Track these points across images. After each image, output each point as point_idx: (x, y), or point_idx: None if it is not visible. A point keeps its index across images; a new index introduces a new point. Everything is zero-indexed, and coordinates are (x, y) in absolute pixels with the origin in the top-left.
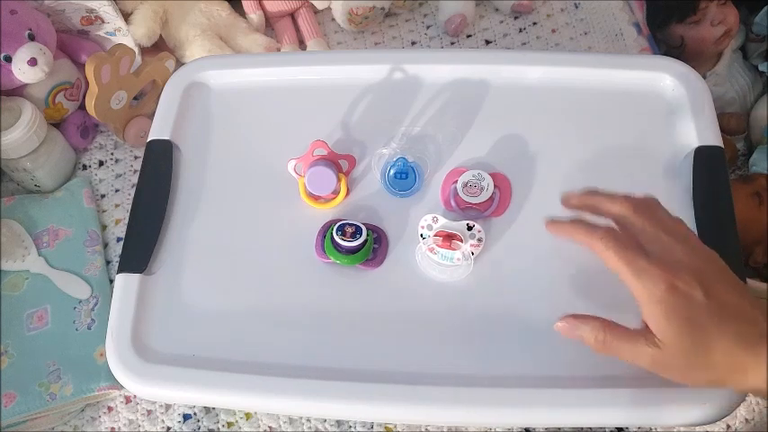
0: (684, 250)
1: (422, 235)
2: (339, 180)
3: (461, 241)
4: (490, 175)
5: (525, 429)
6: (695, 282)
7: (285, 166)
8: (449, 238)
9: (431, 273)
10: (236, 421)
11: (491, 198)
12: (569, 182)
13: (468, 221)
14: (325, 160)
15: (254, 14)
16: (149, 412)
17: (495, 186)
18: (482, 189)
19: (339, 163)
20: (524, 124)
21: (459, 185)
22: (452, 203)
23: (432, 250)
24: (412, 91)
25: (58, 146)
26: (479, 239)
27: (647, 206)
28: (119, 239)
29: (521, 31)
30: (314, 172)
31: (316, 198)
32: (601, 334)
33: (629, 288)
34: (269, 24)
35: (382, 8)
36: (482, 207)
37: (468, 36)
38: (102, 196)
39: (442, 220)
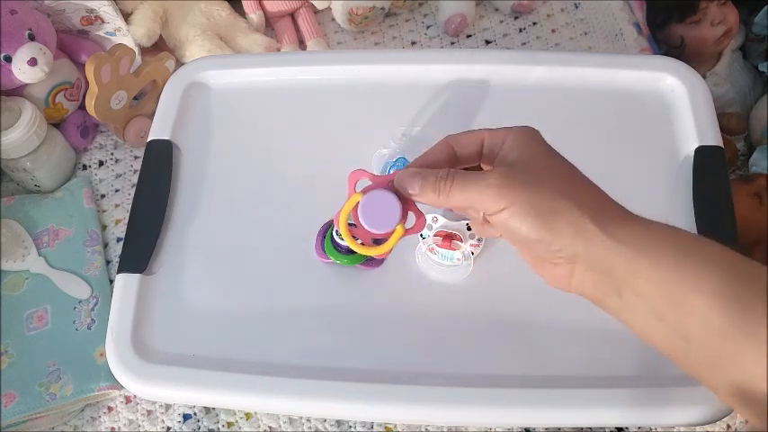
0: None
1: (422, 235)
2: (403, 218)
3: (461, 241)
4: None
5: (525, 429)
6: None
7: (285, 166)
8: (449, 238)
9: (431, 273)
10: (236, 421)
11: None
12: None
13: (468, 221)
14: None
15: (254, 14)
16: (149, 412)
17: None
18: None
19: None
20: (524, 124)
21: None
22: None
23: (431, 250)
24: (412, 91)
25: (58, 146)
26: (479, 239)
27: None
28: (119, 239)
29: (521, 31)
30: (374, 197)
31: (362, 236)
32: (435, 176)
33: (494, 136)
34: (269, 24)
35: (382, 8)
36: None
37: (468, 36)
38: (102, 196)
39: (442, 220)
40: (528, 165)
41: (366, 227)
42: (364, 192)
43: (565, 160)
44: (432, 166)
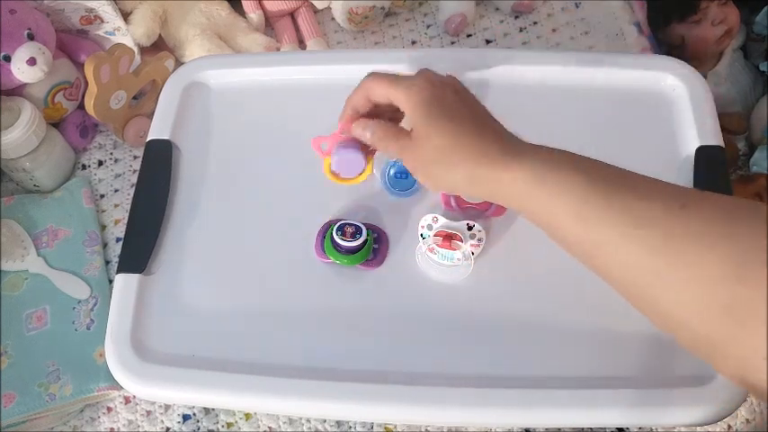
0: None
1: (422, 235)
2: (368, 162)
3: (461, 241)
4: None
5: (525, 429)
6: (451, 89)
7: (285, 166)
8: (449, 238)
9: (431, 273)
10: (236, 422)
11: None
12: None
13: (468, 221)
14: (353, 141)
15: (254, 14)
16: (149, 413)
17: None
18: None
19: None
20: (525, 124)
21: None
22: (452, 203)
23: (432, 250)
24: None
25: (58, 146)
26: (479, 239)
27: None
28: (118, 239)
29: (521, 30)
30: (342, 156)
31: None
32: (379, 131)
33: (397, 101)
34: (269, 24)
35: (382, 8)
36: (482, 207)
37: (469, 36)
38: (102, 196)
39: (442, 220)
40: (418, 133)
41: (343, 176)
42: (337, 148)
43: (449, 115)
44: (356, 110)
